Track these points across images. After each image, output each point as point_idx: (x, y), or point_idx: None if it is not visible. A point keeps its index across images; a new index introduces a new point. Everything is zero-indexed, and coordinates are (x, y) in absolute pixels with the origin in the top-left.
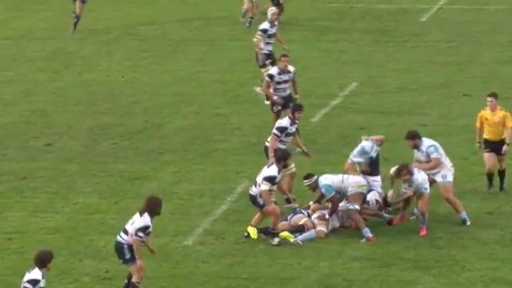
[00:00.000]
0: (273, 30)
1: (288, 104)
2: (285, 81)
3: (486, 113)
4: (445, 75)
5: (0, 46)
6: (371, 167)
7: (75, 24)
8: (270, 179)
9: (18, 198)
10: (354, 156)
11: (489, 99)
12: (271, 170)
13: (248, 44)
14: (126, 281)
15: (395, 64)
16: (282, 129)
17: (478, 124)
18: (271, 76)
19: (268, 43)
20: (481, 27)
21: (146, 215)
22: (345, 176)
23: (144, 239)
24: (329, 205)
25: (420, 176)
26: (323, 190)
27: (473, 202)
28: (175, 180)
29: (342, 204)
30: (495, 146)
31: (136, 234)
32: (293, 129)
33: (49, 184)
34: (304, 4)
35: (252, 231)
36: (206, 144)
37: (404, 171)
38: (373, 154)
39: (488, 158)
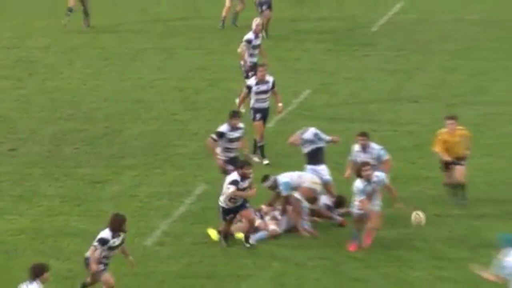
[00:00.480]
0: (257, 41)
1: (267, 115)
2: (264, 92)
3: (445, 135)
4: (394, 82)
5: None
6: (318, 156)
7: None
8: (233, 183)
9: None
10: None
11: (449, 121)
12: (232, 175)
13: (204, 53)
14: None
15: (347, 72)
16: (219, 134)
17: (437, 148)
18: (249, 87)
19: (252, 55)
20: (429, 36)
21: (107, 230)
22: (303, 173)
23: (99, 249)
24: (281, 205)
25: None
26: (281, 187)
27: (421, 205)
28: (135, 183)
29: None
30: (454, 163)
31: (93, 243)
32: (235, 134)
33: (13, 187)
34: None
35: (212, 233)
36: (165, 148)
37: (368, 167)
38: (320, 143)
39: (453, 171)
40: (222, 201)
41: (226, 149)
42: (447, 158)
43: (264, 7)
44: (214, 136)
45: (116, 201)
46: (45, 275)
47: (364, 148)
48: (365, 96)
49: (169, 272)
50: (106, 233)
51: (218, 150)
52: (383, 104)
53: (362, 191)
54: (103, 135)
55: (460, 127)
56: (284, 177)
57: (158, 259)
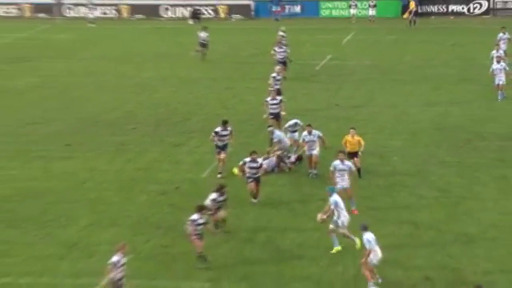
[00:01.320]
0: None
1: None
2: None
3: (348, 138)
4: (328, 96)
5: None
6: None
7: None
8: None
9: None
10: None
11: (352, 131)
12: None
13: None
14: None
15: (303, 91)
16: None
17: (344, 144)
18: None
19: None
20: (344, 71)
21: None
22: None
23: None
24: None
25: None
26: (275, 136)
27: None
28: (197, 145)
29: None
30: (352, 155)
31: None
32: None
33: (135, 148)
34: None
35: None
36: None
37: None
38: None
39: (355, 159)
40: None
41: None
42: (348, 150)
43: None
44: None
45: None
46: (123, 251)
47: (310, 132)
48: (310, 106)
49: None
50: (213, 196)
51: None
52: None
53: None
54: (180, 121)
55: (356, 135)
56: (278, 131)
57: None
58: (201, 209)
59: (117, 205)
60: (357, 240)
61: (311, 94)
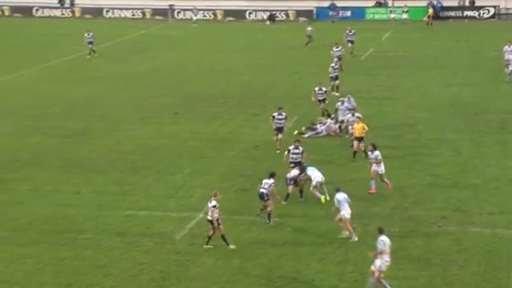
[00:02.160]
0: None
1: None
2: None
3: (355, 124)
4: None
5: None
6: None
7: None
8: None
9: None
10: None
11: (357, 119)
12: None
13: None
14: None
15: (351, 78)
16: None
17: (351, 130)
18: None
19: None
20: (398, 62)
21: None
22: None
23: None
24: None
25: None
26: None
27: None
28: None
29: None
30: (358, 139)
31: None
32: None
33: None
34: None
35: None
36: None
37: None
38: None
39: (356, 144)
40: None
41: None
42: (355, 135)
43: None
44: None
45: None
46: (217, 197)
47: (353, 114)
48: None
49: None
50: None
51: None
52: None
53: None
54: (258, 96)
55: (361, 122)
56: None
57: None
58: (272, 175)
59: (211, 158)
60: (355, 238)
61: (357, 78)
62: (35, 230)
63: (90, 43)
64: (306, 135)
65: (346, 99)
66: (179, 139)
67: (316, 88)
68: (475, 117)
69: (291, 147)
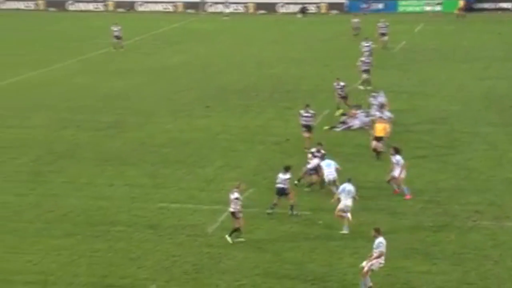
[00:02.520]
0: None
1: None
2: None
3: (376, 124)
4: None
5: None
6: None
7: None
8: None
9: None
10: None
11: (379, 119)
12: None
13: None
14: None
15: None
16: None
17: (371, 130)
18: None
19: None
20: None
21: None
22: None
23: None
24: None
25: None
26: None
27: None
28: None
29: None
30: (378, 139)
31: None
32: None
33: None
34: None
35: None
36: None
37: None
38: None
39: (376, 144)
40: None
41: None
42: (376, 134)
43: None
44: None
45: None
46: (241, 188)
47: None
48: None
49: None
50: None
51: None
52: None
53: None
54: (289, 89)
55: (383, 122)
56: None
57: None
58: (287, 169)
59: (242, 152)
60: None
61: (389, 72)
62: (70, 222)
63: (117, 37)
64: (338, 129)
65: (379, 93)
66: (210, 132)
67: (335, 83)
68: (510, 110)
69: (313, 150)
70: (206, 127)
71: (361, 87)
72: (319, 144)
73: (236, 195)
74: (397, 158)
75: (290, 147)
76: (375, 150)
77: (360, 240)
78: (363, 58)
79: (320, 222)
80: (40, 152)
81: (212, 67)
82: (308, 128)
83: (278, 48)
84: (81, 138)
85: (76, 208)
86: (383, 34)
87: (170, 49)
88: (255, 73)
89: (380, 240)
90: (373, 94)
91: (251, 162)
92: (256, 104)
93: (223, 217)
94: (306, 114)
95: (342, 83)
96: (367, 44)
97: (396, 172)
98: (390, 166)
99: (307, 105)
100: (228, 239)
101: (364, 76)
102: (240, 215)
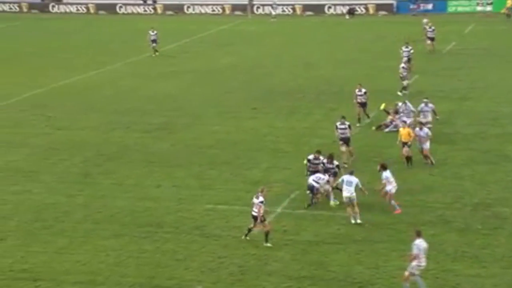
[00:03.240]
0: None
1: None
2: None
3: (401, 129)
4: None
5: None
6: None
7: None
8: None
9: None
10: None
11: (403, 124)
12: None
13: None
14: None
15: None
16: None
17: (399, 136)
18: None
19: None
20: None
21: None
22: None
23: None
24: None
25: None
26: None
27: None
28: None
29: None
30: (403, 144)
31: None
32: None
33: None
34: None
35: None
36: None
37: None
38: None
39: (405, 149)
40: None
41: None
42: (402, 140)
43: None
44: None
45: None
46: (263, 193)
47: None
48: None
49: None
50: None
51: None
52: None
53: None
54: (336, 91)
55: (407, 127)
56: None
57: None
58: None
59: (289, 153)
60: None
61: (438, 73)
62: (118, 223)
63: (154, 41)
64: (386, 130)
65: (427, 100)
66: (257, 134)
67: (356, 90)
68: None
69: (324, 160)
70: (253, 128)
71: (400, 93)
72: (318, 151)
73: (261, 198)
74: (385, 174)
75: (336, 149)
76: (406, 157)
77: (408, 242)
78: (402, 64)
79: (367, 224)
80: (89, 154)
81: (260, 68)
82: (346, 140)
83: (326, 49)
84: (129, 140)
85: (124, 209)
86: (430, 39)
87: (218, 51)
88: (302, 75)
89: (416, 242)
90: (425, 100)
91: (297, 164)
92: (303, 105)
93: (269, 218)
94: (342, 126)
95: (364, 90)
96: (407, 49)
97: (388, 188)
98: (381, 183)
99: (343, 117)
100: (268, 244)
101: (403, 82)
102: (266, 218)
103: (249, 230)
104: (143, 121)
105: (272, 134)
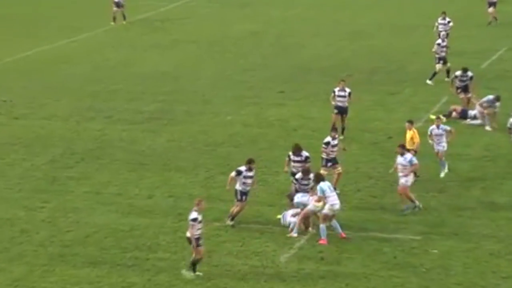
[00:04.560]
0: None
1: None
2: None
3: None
4: None
5: None
6: None
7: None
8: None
9: None
10: None
11: (407, 124)
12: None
13: None
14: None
15: None
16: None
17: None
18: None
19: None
20: None
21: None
22: None
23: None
24: None
25: None
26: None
27: None
28: None
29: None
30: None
31: None
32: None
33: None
34: None
35: None
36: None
37: None
38: None
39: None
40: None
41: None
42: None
43: None
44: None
45: None
46: (199, 206)
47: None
48: None
49: None
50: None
51: None
52: None
53: None
54: (395, 69)
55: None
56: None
57: None
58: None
59: None
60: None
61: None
62: (95, 246)
63: (117, 4)
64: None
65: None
66: (285, 127)
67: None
68: None
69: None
70: (280, 119)
71: (447, 79)
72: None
73: (193, 215)
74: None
75: (393, 147)
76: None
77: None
78: (439, 41)
79: (435, 251)
80: (57, 151)
81: (289, 38)
82: (342, 111)
83: (379, 12)
84: (111, 134)
85: (103, 227)
86: (491, 4)
87: (233, 12)
88: (347, 47)
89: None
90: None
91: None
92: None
93: (301, 242)
94: (341, 93)
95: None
96: (443, 22)
97: (404, 180)
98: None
99: (343, 80)
100: (191, 274)
101: (438, 66)
102: (201, 242)
103: (193, 263)
104: (130, 108)
105: (305, 127)
